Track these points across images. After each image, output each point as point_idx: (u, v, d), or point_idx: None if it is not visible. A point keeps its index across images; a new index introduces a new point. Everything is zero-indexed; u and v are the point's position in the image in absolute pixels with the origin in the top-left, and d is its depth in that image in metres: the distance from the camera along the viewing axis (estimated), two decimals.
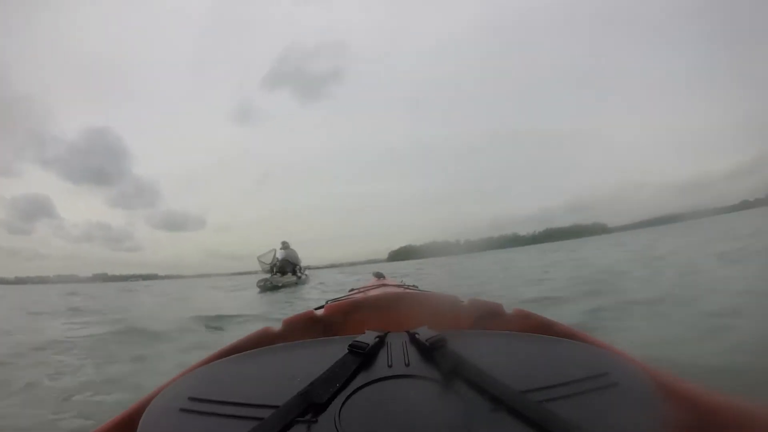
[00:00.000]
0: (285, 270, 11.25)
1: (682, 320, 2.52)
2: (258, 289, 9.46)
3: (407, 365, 0.58)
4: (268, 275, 10.70)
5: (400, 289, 1.41)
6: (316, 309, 1.05)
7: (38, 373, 2.49)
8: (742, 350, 1.76)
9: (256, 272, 11.83)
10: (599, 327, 2.58)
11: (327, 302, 1.12)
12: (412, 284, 1.94)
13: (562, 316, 2.66)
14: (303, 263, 12.26)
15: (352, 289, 2.00)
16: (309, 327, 0.96)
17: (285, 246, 11.96)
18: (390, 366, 0.58)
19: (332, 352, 0.60)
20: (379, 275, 2.96)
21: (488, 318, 0.91)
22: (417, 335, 0.63)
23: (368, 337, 0.63)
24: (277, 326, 0.93)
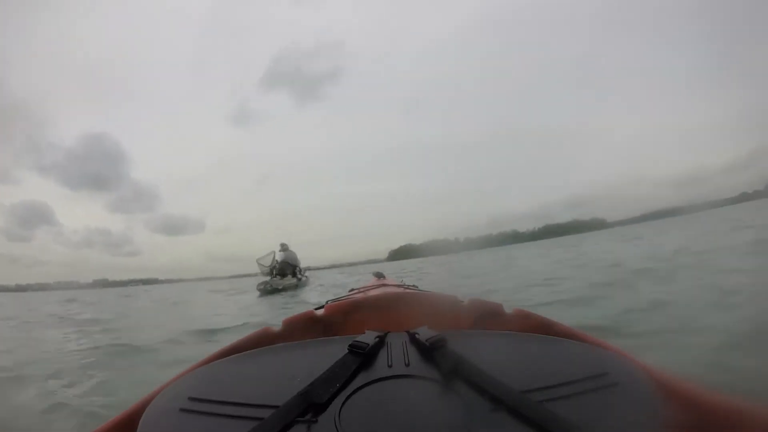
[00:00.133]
0: (285, 272, 11.06)
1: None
2: (258, 293, 9.34)
3: (407, 365, 0.58)
4: (267, 278, 10.58)
5: (400, 289, 1.41)
6: (316, 309, 1.05)
7: None
8: None
9: (256, 274, 11.66)
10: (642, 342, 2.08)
11: (327, 302, 1.12)
12: (412, 284, 1.94)
13: (586, 321, 2.44)
14: (303, 264, 12.09)
15: (352, 289, 2.00)
16: (309, 327, 0.96)
17: (284, 248, 11.79)
18: (390, 366, 0.58)
19: (332, 352, 0.60)
20: (379, 275, 2.97)
21: (488, 318, 0.91)
22: (417, 335, 0.63)
23: (368, 337, 0.63)
24: (277, 326, 0.93)
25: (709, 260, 4.68)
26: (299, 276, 11.37)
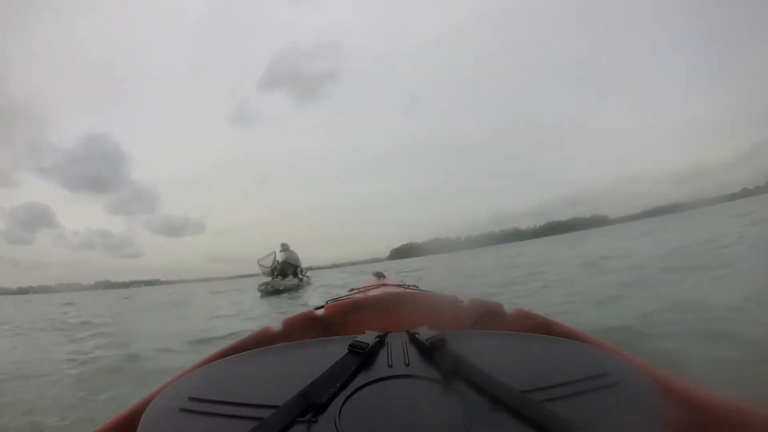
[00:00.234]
0: (286, 272, 10.95)
1: None
2: (259, 294, 9.27)
3: (407, 365, 0.58)
4: (268, 279, 10.49)
5: (400, 289, 1.42)
6: (316, 309, 1.06)
7: None
8: None
9: (257, 275, 11.56)
10: None
11: (327, 302, 1.12)
12: (412, 284, 1.94)
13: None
14: (304, 264, 11.99)
15: (352, 289, 2.00)
16: (309, 327, 0.96)
17: (285, 248, 11.69)
18: (390, 366, 0.58)
19: (332, 352, 0.60)
20: (379, 275, 2.97)
21: (488, 318, 0.91)
22: (417, 335, 0.63)
23: (368, 337, 0.63)
24: (277, 326, 0.93)
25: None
26: (301, 276, 11.26)
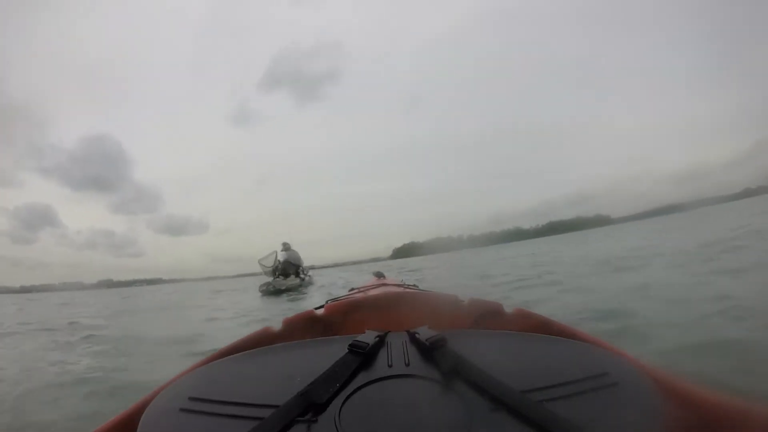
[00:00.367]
0: (288, 272, 10.77)
1: None
2: (260, 294, 9.22)
3: (407, 365, 0.58)
4: (270, 278, 10.41)
5: (400, 289, 1.42)
6: (316, 309, 1.06)
7: None
8: None
9: (259, 274, 11.45)
10: None
11: (327, 302, 1.12)
12: (412, 284, 1.94)
13: None
14: (306, 263, 11.83)
15: (352, 289, 2.00)
16: (309, 327, 0.96)
17: (286, 247, 11.52)
18: (390, 366, 0.58)
19: (332, 351, 0.60)
20: (379, 275, 2.97)
21: (488, 318, 0.91)
22: (417, 335, 0.63)
23: (368, 337, 0.63)
24: (277, 326, 0.93)
25: None
26: (302, 276, 11.14)
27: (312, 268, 12.94)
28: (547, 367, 0.58)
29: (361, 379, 0.55)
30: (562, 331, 0.78)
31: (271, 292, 9.32)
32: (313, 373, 0.55)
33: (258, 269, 11.37)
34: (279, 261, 11.14)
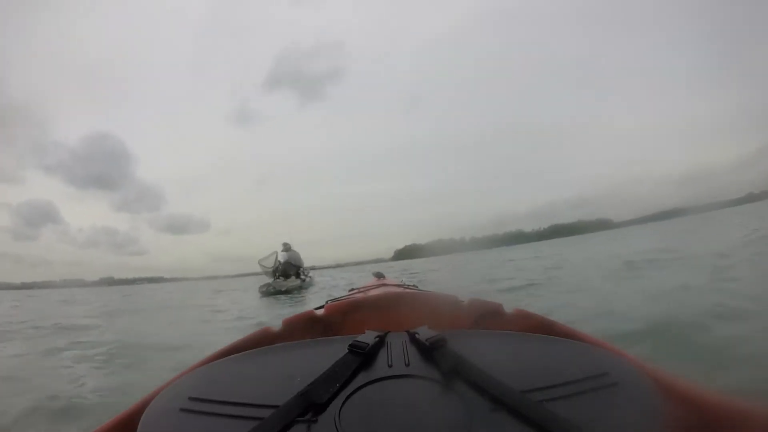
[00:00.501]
0: (288, 273, 10.66)
1: None
2: (259, 295, 9.14)
3: (407, 365, 0.58)
4: (270, 279, 10.31)
5: (400, 289, 1.42)
6: (316, 309, 1.06)
7: None
8: None
9: (260, 273, 11.31)
10: None
11: (327, 302, 1.12)
12: (412, 284, 1.94)
13: None
14: (306, 264, 11.70)
15: (352, 289, 2.00)
16: (309, 327, 0.96)
17: (287, 248, 11.37)
18: (390, 366, 0.58)
19: (332, 352, 0.60)
20: (379, 275, 2.97)
21: (488, 318, 0.91)
22: (417, 335, 0.63)
23: (368, 337, 0.63)
24: (277, 326, 0.94)
25: None
26: (303, 277, 11.04)
27: (313, 268, 12.85)
28: (547, 367, 0.58)
29: (361, 379, 0.55)
30: (561, 331, 0.78)
31: (271, 293, 9.25)
32: (313, 373, 0.55)
33: (258, 269, 11.25)
34: (279, 262, 11.02)
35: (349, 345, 0.60)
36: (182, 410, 0.53)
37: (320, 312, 1.03)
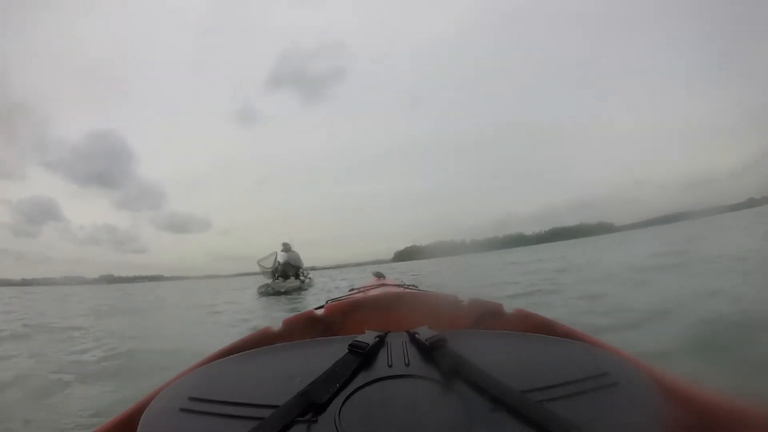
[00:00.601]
0: (287, 274, 10.61)
1: None
2: (258, 295, 9.08)
3: (407, 365, 0.58)
4: (269, 280, 10.26)
5: (400, 289, 1.42)
6: (316, 309, 1.06)
7: None
8: None
9: (259, 273, 11.26)
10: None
11: (327, 302, 1.12)
12: (411, 284, 1.95)
13: None
14: (306, 264, 11.63)
15: (352, 289, 2.01)
16: (309, 327, 0.96)
17: (286, 248, 11.28)
18: (390, 366, 0.58)
19: (332, 351, 0.60)
20: (379, 275, 2.97)
21: (488, 318, 0.91)
22: (417, 335, 0.63)
23: (368, 337, 0.63)
24: (277, 326, 0.94)
25: None
26: (302, 278, 10.98)
27: (313, 269, 12.78)
28: (547, 367, 0.58)
29: (361, 379, 0.55)
30: (561, 331, 0.78)
31: (270, 293, 9.20)
32: (313, 373, 0.55)
33: (258, 269, 11.20)
34: (279, 262, 10.96)
35: (349, 345, 0.60)
36: (182, 410, 0.53)
37: (320, 312, 1.03)
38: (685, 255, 6.35)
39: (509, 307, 0.93)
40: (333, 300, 1.17)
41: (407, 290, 1.39)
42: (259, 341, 0.84)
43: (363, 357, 0.59)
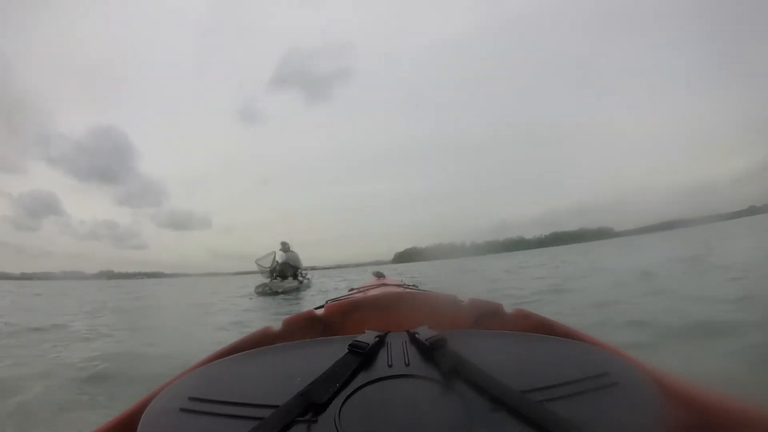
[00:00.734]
0: (285, 274, 10.60)
1: None
2: (255, 294, 9.03)
3: (407, 365, 0.58)
4: (267, 279, 10.20)
5: (400, 289, 1.42)
6: (316, 309, 1.06)
7: None
8: None
9: (260, 272, 11.15)
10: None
11: (327, 302, 1.12)
12: (412, 284, 1.94)
13: None
14: (305, 264, 11.60)
15: (352, 289, 2.00)
16: (309, 327, 0.96)
17: (285, 248, 11.24)
18: (390, 366, 0.58)
19: (332, 351, 0.60)
20: (379, 275, 2.96)
21: (488, 318, 0.91)
22: (417, 335, 0.63)
23: (368, 337, 0.63)
24: (277, 326, 0.93)
25: None
26: (301, 279, 10.95)
27: (313, 268, 12.73)
28: (547, 367, 0.58)
29: (361, 379, 0.55)
30: (561, 331, 0.78)
31: (267, 293, 9.15)
32: (313, 373, 0.55)
33: (256, 268, 11.11)
34: (277, 262, 10.91)
35: (349, 345, 0.60)
36: (182, 410, 0.53)
37: (320, 312, 1.02)
38: (700, 259, 6.21)
39: (509, 307, 0.93)
40: (333, 300, 1.17)
41: (407, 290, 1.38)
42: (259, 341, 0.84)
43: (363, 357, 0.59)
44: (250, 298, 8.52)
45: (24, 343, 3.84)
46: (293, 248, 11.41)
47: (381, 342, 0.64)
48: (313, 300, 7.32)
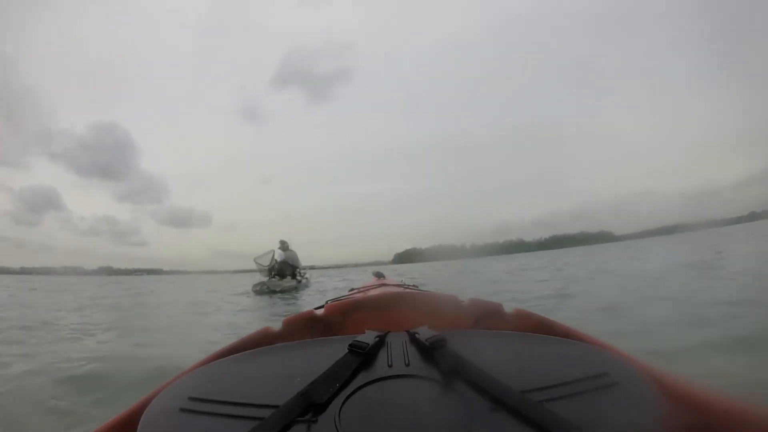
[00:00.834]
0: (284, 273, 10.58)
1: None
2: (253, 293, 8.99)
3: (407, 365, 0.58)
4: (265, 278, 10.16)
5: (400, 289, 1.42)
6: (316, 309, 1.05)
7: None
8: None
9: (257, 271, 11.11)
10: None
11: (327, 302, 1.12)
12: (412, 284, 1.94)
13: None
14: (304, 264, 11.58)
15: (352, 289, 2.00)
16: (309, 327, 0.96)
17: (284, 246, 11.22)
18: (390, 366, 0.58)
19: (332, 351, 0.60)
20: (379, 275, 2.96)
21: (488, 318, 0.91)
22: (417, 335, 0.63)
23: (368, 337, 0.63)
24: (277, 326, 0.93)
25: None
26: (299, 278, 10.94)
27: (312, 268, 12.71)
28: (547, 367, 0.58)
29: (361, 379, 0.55)
30: (561, 331, 0.78)
31: (265, 292, 9.12)
32: (313, 373, 0.55)
33: (255, 267, 11.05)
34: (276, 261, 10.87)
35: (349, 345, 0.60)
36: (182, 410, 0.53)
37: (320, 312, 1.02)
38: (714, 263, 6.13)
39: (509, 307, 0.93)
40: (333, 300, 1.17)
41: (407, 290, 1.38)
42: (259, 341, 0.84)
43: (363, 357, 0.59)
44: (248, 297, 8.50)
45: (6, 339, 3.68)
46: (293, 248, 11.40)
47: (381, 342, 0.64)
48: (310, 300, 7.28)
